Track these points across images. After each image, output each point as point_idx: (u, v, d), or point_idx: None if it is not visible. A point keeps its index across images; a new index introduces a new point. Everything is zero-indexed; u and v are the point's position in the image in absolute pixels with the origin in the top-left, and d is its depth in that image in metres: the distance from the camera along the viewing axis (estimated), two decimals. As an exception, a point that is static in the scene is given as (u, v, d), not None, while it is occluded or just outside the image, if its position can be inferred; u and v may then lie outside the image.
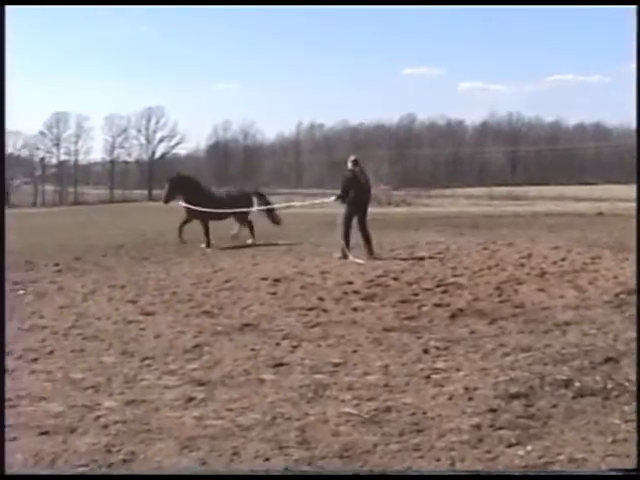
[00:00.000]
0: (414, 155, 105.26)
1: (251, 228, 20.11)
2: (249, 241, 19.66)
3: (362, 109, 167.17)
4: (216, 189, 23.09)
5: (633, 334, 8.16)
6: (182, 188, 19.99)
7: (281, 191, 70.16)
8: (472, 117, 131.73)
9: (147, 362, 7.52)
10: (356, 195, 16.05)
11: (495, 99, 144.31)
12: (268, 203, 21.30)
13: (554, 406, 5.92)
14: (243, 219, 20.22)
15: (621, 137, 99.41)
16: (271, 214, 20.90)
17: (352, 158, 16.68)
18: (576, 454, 4.91)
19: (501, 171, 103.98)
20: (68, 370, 7.24)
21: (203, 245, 19.01)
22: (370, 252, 15.86)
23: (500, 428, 5.42)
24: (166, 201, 20.55)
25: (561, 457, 4.87)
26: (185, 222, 19.91)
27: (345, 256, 15.55)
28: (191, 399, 6.26)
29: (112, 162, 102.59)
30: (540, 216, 33.30)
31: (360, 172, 16.39)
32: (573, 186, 77.22)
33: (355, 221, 16.09)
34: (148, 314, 10.03)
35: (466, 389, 6.37)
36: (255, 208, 20.69)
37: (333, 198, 17.11)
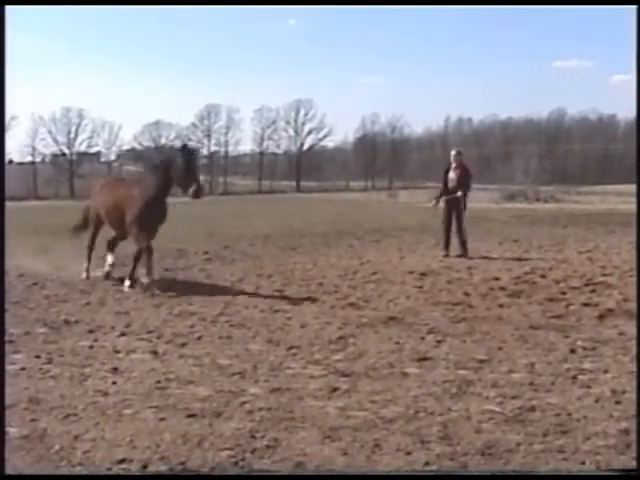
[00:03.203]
0: (564, 150, 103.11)
1: None
2: None
3: (512, 103, 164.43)
4: None
5: None
6: None
7: (428, 185, 69.81)
8: (625, 111, 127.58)
9: (292, 351, 7.62)
10: (448, 191, 15.81)
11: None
12: None
13: None
14: None
15: None
16: None
17: (452, 151, 16.45)
18: None
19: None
20: (215, 356, 7.41)
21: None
22: (464, 253, 15.43)
23: (649, 434, 5.28)
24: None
25: None
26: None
27: (445, 254, 15.42)
28: (335, 389, 6.31)
29: (261, 153, 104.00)
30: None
31: (457, 166, 15.94)
32: None
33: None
34: (294, 304, 10.15)
35: (614, 392, 6.22)
36: None
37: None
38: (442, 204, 15.92)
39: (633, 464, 4.79)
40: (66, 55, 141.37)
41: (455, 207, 15.59)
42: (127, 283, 11.26)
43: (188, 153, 11.27)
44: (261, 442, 5.11)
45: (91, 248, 12.56)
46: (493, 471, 4.62)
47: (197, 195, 10.93)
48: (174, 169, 11.06)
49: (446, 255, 15.33)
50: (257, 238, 19.64)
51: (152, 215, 11.42)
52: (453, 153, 16.18)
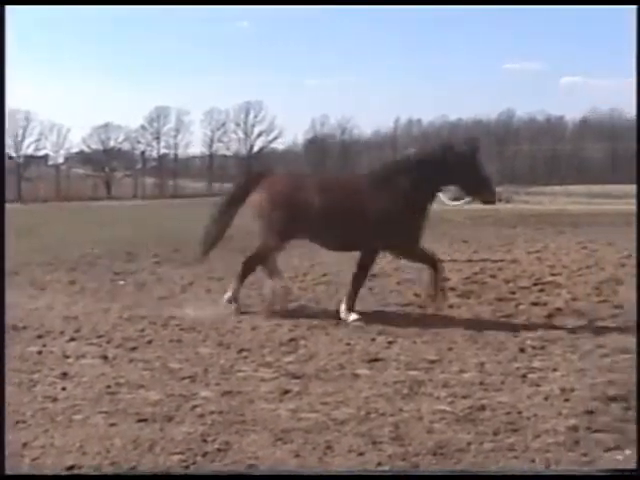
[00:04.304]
0: (513, 151, 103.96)
1: None
2: None
3: (461, 104, 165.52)
4: None
5: None
6: None
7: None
8: (572, 113, 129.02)
9: (243, 354, 7.61)
10: None
11: (597, 94, 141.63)
12: None
13: (654, 410, 5.80)
14: None
15: None
16: None
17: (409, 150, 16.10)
18: (676, 460, 4.81)
19: (602, 169, 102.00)
20: (166, 360, 7.38)
21: None
22: None
23: (597, 431, 5.34)
24: None
25: (661, 463, 4.78)
26: None
27: None
28: (286, 392, 6.31)
29: (211, 156, 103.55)
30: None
31: None
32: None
33: None
34: (244, 307, 10.11)
35: (563, 390, 6.29)
36: None
37: None
38: None
39: (583, 460, 4.85)
40: (13, 56, 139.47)
41: None
42: (352, 317, 9.25)
43: (475, 147, 9.52)
44: (212, 446, 5.09)
45: (252, 268, 10.07)
46: (492, 471, 4.64)
47: (493, 200, 9.62)
48: (457, 167, 9.18)
49: None
50: (207, 241, 19.53)
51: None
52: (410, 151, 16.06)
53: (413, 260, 9.84)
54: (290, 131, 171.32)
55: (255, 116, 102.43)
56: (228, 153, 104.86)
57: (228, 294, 9.79)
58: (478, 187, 9.33)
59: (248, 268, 9.68)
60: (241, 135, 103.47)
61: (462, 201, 10.22)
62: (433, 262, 9.47)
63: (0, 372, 5.77)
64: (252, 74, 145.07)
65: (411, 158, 9.58)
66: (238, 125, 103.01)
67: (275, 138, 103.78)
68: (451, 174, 9.21)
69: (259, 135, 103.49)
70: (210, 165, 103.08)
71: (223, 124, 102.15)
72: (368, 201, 9.24)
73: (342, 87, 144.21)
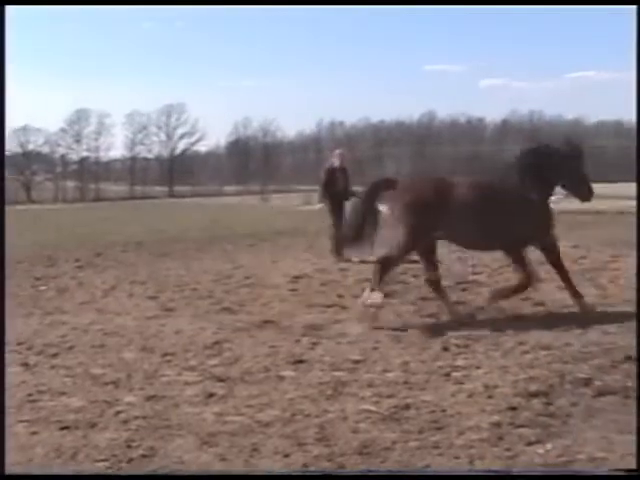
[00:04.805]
0: (434, 152, 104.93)
1: None
2: None
3: (383, 106, 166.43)
4: None
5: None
6: None
7: (301, 188, 70.11)
8: (493, 115, 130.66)
9: (167, 358, 7.55)
10: (336, 192, 15.42)
11: (516, 96, 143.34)
12: None
13: (574, 405, 5.91)
14: None
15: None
16: None
17: (337, 151, 16.18)
18: (596, 453, 4.90)
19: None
20: (88, 366, 7.29)
21: None
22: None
23: (520, 426, 5.42)
24: None
25: (581, 456, 4.86)
26: None
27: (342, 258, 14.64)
28: (211, 395, 6.28)
29: (133, 159, 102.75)
30: (560, 214, 33.08)
31: (341, 166, 15.68)
32: (595, 184, 76.47)
33: None
34: (168, 310, 10.07)
35: (486, 387, 6.36)
36: None
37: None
38: (324, 206, 15.83)
39: (506, 455, 4.92)
40: None
41: (341, 208, 15.38)
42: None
43: (580, 147, 10.02)
44: (137, 451, 5.05)
45: (390, 269, 9.60)
46: (493, 471, 4.66)
47: (590, 198, 9.95)
48: (569, 166, 9.61)
49: (343, 259, 14.72)
50: (129, 245, 19.41)
51: None
52: (339, 152, 16.07)
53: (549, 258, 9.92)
54: (213, 134, 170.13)
55: (177, 118, 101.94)
56: (150, 156, 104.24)
57: (366, 298, 9.33)
58: (581, 186, 9.82)
59: (387, 269, 9.44)
60: (163, 138, 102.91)
61: (556, 197, 10.28)
62: (529, 272, 9.66)
63: (0, 372, 5.80)
64: (175, 76, 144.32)
65: (534, 159, 9.68)
66: (160, 128, 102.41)
67: (198, 140, 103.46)
68: (565, 173, 9.65)
69: (181, 137, 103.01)
70: (132, 168, 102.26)
71: (145, 127, 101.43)
72: (499, 201, 9.43)
73: (265, 89, 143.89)
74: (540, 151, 9.81)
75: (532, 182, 9.44)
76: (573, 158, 9.68)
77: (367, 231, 9.54)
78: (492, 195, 9.47)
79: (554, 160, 9.57)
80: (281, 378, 6.80)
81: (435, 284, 9.70)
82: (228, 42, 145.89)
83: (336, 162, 15.56)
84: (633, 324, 8.62)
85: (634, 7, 6.45)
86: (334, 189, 15.28)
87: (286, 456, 4.96)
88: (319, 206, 15.76)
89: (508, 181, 9.57)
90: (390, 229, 9.34)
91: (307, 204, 49.85)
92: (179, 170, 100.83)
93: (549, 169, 9.53)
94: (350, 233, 9.80)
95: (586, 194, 9.87)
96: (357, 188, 16.33)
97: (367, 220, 9.50)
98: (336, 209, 15.34)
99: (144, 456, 4.98)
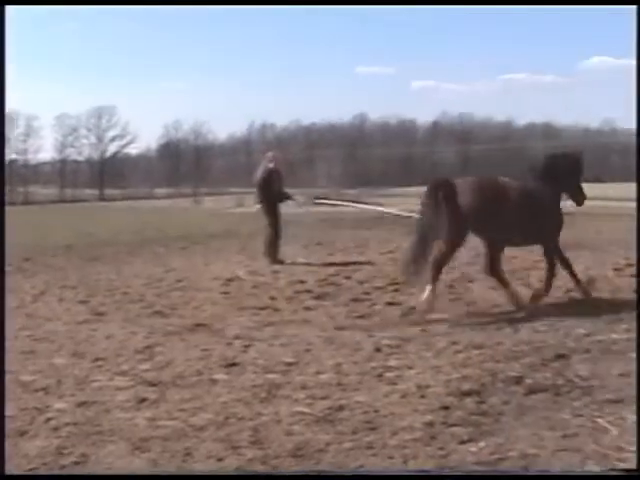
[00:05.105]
0: (366, 155, 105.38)
1: None
2: None
3: (315, 108, 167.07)
4: None
5: (583, 331, 8.29)
6: None
7: (232, 190, 70.00)
8: (424, 116, 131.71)
9: (98, 363, 7.46)
10: (272, 194, 15.44)
11: (447, 98, 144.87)
12: None
13: (506, 403, 5.97)
14: None
15: (571, 137, 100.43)
16: None
17: (270, 153, 16.12)
18: (528, 450, 4.96)
19: (452, 170, 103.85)
20: (18, 372, 7.16)
21: None
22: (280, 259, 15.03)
23: (452, 425, 5.45)
24: None
25: (513, 453, 4.91)
26: None
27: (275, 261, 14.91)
28: (143, 400, 6.22)
29: (62, 161, 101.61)
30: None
31: (276, 168, 15.60)
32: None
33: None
34: (99, 315, 9.96)
35: (419, 387, 6.39)
36: None
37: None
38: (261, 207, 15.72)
39: (439, 454, 4.94)
40: None
41: (276, 210, 15.45)
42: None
43: (579, 160, 10.77)
44: (68, 459, 4.99)
45: (440, 269, 9.82)
46: (492, 471, 4.65)
47: (583, 203, 10.67)
48: (576, 173, 10.59)
49: (276, 261, 14.86)
50: (59, 249, 19.15)
51: None
52: (272, 154, 15.95)
53: (555, 254, 10.34)
54: (145, 136, 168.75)
55: (108, 121, 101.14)
56: (80, 158, 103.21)
57: (422, 301, 9.58)
58: (580, 191, 10.57)
59: (439, 269, 9.71)
60: (93, 140, 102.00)
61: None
62: (565, 260, 10.31)
63: (0, 372, 5.78)
64: (105, 78, 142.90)
65: (555, 165, 10.38)
66: (90, 130, 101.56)
67: (128, 143, 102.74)
68: (575, 179, 10.50)
69: (112, 140, 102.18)
70: (62, 171, 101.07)
71: (75, 129, 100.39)
72: (533, 202, 9.95)
73: (196, 92, 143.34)
74: (564, 158, 10.60)
75: (553, 185, 10.17)
76: (579, 166, 10.61)
77: (434, 233, 9.69)
78: (532, 196, 10.00)
79: (570, 167, 10.46)
80: (214, 381, 6.76)
81: (499, 276, 10.28)
82: (159, 44, 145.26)
83: (270, 164, 15.51)
84: (563, 322, 8.77)
85: (634, 7, 6.53)
86: (270, 191, 15.25)
87: (220, 460, 4.93)
88: (257, 207, 15.66)
89: (537, 184, 10.18)
90: (442, 227, 9.59)
91: (239, 206, 49.77)
92: (110, 173, 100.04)
93: (567, 175, 10.31)
94: (421, 233, 9.85)
95: (582, 199, 10.61)
96: (290, 190, 16.35)
97: (435, 220, 9.67)
98: (271, 211, 15.32)
99: (76, 463, 4.92)
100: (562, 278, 10.53)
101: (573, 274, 10.27)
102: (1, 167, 8.01)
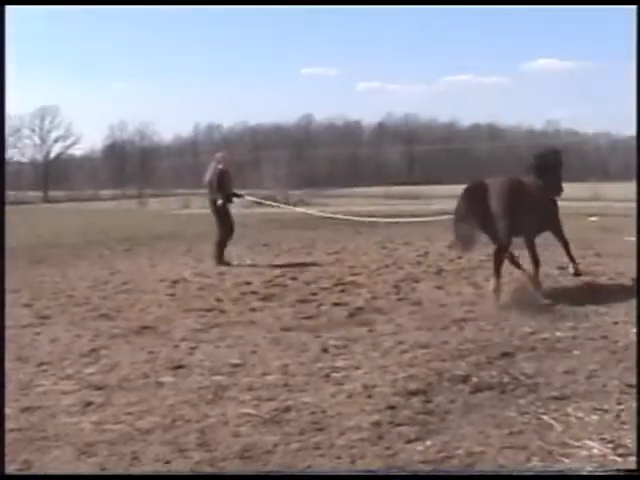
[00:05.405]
0: (312, 156, 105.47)
1: None
2: None
3: (261, 109, 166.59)
4: None
5: (528, 329, 8.37)
6: None
7: (178, 192, 69.66)
8: (370, 117, 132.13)
9: (43, 367, 7.38)
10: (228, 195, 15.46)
11: (392, 99, 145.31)
12: None
13: (452, 401, 6.02)
14: None
15: (515, 137, 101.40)
16: None
17: (220, 154, 16.06)
18: (474, 448, 5.00)
19: (398, 171, 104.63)
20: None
21: None
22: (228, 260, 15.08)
23: (399, 424, 5.48)
24: None
25: (459, 451, 4.95)
26: None
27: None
28: (89, 404, 6.17)
29: (5, 163, 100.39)
30: (436, 214, 33.67)
31: (227, 169, 15.62)
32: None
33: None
34: (43, 318, 9.85)
35: (365, 387, 6.41)
36: None
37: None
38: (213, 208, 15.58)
39: (386, 453, 4.97)
40: None
41: (228, 211, 15.36)
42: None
43: (560, 155, 11.77)
44: (12, 466, 4.90)
45: (502, 260, 10.65)
46: (492, 471, 4.63)
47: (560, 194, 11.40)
48: (554, 170, 11.33)
49: (223, 263, 14.82)
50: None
51: None
52: (222, 155, 15.79)
53: (560, 237, 11.26)
54: (90, 137, 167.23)
55: (51, 121, 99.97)
56: (23, 159, 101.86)
57: (492, 289, 10.34)
58: (560, 183, 11.38)
59: (500, 261, 10.52)
60: (37, 141, 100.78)
61: None
62: (567, 242, 11.26)
63: (0, 372, 5.66)
64: (48, 79, 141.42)
65: (547, 161, 11.43)
66: (33, 131, 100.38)
67: (72, 144, 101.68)
68: (557, 173, 11.34)
69: (56, 141, 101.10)
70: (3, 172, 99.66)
71: (18, 130, 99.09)
72: (544, 195, 10.91)
73: (142, 92, 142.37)
74: (552, 154, 11.69)
75: (547, 179, 11.02)
76: (561, 161, 11.59)
77: (474, 230, 10.48)
78: (541, 190, 10.88)
79: (556, 162, 11.46)
80: (160, 384, 6.72)
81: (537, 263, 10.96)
82: (103, 43, 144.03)
83: (220, 165, 15.43)
84: (508, 321, 8.85)
85: (634, 7, 6.57)
86: (220, 192, 15.18)
87: (167, 463, 4.91)
88: (220, 202, 15.51)
89: (538, 179, 11.06)
90: (489, 225, 10.32)
91: (185, 208, 49.57)
92: (54, 174, 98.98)
93: (554, 169, 11.28)
94: (462, 233, 10.53)
95: (561, 191, 11.39)
96: (239, 191, 16.30)
97: (471, 220, 10.38)
98: (222, 212, 15.23)
99: (20, 470, 4.86)
100: (506, 275, 10.65)
101: (570, 254, 11.10)
102: (1, 167, 7.88)
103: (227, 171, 15.47)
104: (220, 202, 15.20)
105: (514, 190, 10.53)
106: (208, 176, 15.44)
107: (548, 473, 4.59)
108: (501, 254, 10.51)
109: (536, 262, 10.89)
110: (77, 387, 6.69)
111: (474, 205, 10.40)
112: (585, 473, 4.59)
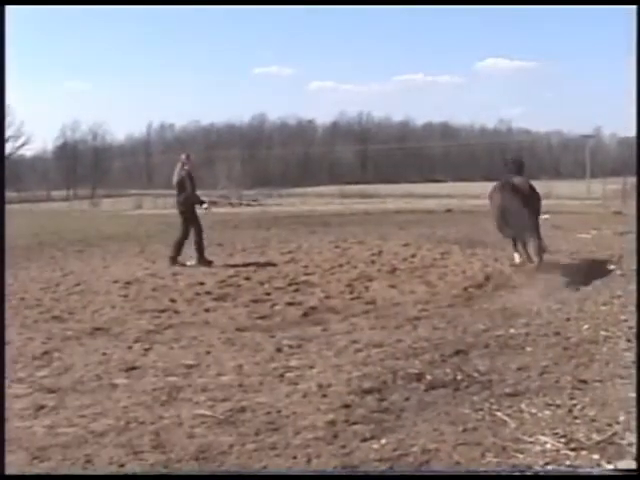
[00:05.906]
0: (265, 155, 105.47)
1: None
2: None
3: (213, 109, 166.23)
4: None
5: (481, 326, 8.44)
6: None
7: (131, 192, 69.28)
8: (323, 117, 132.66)
9: (-6, 371, 7.30)
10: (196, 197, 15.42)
11: (346, 99, 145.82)
12: None
13: (407, 399, 6.04)
14: None
15: (469, 136, 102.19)
16: None
17: (185, 155, 15.79)
18: (429, 445, 5.02)
19: (351, 170, 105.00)
20: None
21: None
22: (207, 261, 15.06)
23: (354, 423, 5.49)
24: None
25: (414, 449, 4.97)
26: None
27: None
28: (41, 407, 6.10)
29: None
30: (390, 214, 33.87)
31: (192, 171, 15.59)
32: (422, 184, 78.43)
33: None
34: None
35: (320, 386, 6.41)
36: None
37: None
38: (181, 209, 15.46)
39: (342, 452, 4.97)
40: None
41: (194, 212, 15.27)
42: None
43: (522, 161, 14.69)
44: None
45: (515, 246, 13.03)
46: (493, 471, 4.62)
47: None
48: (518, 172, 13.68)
49: (177, 264, 14.73)
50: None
51: None
52: (187, 156, 15.70)
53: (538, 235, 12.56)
54: (41, 137, 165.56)
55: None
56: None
57: (515, 262, 12.84)
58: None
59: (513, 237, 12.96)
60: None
61: None
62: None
63: (0, 372, 5.56)
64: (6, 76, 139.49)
65: (522, 162, 14.53)
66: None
67: (23, 144, 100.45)
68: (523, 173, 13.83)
69: (6, 141, 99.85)
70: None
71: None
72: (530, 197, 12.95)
73: (94, 91, 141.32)
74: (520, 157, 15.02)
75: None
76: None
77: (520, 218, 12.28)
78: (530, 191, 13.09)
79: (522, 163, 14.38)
80: (114, 386, 6.67)
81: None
82: (54, 41, 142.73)
83: (186, 166, 15.34)
84: (461, 319, 8.92)
85: (634, 7, 6.59)
86: (194, 193, 15.13)
87: (121, 466, 4.87)
88: (205, 206, 15.42)
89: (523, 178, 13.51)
90: (516, 215, 12.22)
91: (138, 208, 49.30)
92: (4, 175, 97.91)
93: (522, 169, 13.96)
94: (511, 223, 12.49)
95: None
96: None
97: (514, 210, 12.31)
98: (188, 213, 15.15)
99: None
100: (459, 274, 10.71)
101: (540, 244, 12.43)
102: (1, 167, 7.78)
103: (190, 172, 15.40)
104: (206, 206, 15.24)
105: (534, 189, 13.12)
106: (176, 177, 15.35)
107: (549, 473, 4.64)
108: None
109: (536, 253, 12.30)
110: (29, 390, 6.61)
111: (521, 201, 12.35)
112: (585, 473, 4.64)
